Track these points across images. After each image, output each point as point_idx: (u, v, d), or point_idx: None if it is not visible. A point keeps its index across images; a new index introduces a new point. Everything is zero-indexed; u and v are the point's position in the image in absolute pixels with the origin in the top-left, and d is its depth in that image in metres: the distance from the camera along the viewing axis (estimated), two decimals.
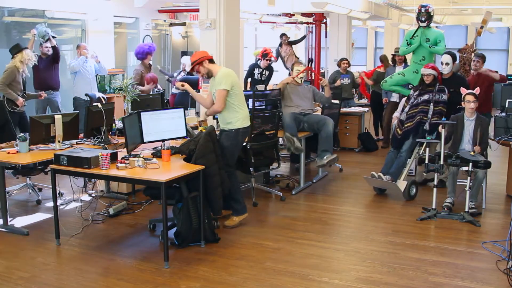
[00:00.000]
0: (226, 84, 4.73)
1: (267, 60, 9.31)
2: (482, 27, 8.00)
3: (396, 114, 6.54)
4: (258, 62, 9.55)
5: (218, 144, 4.70)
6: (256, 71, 9.27)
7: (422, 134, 5.96)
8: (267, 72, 9.45)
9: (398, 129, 6.15)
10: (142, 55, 8.30)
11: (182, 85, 5.01)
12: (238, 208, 5.03)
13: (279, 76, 10.96)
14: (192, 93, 5.16)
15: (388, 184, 5.97)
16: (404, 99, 6.54)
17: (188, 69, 8.56)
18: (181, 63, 9.35)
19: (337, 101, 7.43)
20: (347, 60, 9.37)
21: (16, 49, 6.66)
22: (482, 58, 6.98)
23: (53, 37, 7.64)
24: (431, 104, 5.97)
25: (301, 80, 6.43)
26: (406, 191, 5.88)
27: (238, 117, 4.84)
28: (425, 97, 6.03)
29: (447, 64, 6.27)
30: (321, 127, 6.18)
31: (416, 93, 6.15)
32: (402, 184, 5.88)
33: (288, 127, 6.09)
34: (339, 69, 9.33)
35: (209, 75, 4.84)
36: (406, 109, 6.15)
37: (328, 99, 6.71)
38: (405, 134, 6.04)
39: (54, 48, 7.63)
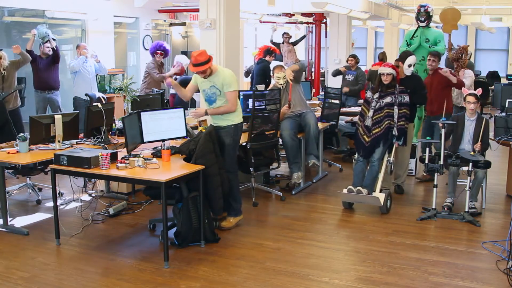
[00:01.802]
0: (236, 85, 4.82)
1: (273, 56, 9.28)
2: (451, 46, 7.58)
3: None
4: (255, 62, 9.51)
5: (218, 144, 4.70)
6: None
7: (391, 140, 5.59)
8: None
9: (365, 136, 5.60)
10: (152, 49, 8.34)
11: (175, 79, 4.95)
12: (238, 208, 5.03)
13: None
14: (177, 87, 5.17)
15: (368, 198, 5.45)
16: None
17: (189, 68, 8.47)
18: (175, 62, 9.32)
19: (337, 101, 7.42)
20: (352, 56, 9.05)
21: None
22: (437, 57, 6.47)
23: (53, 39, 7.66)
24: (395, 107, 5.51)
25: (284, 85, 6.19)
26: (385, 204, 5.42)
27: (236, 113, 4.88)
28: (388, 99, 5.52)
29: (410, 66, 5.82)
30: (305, 129, 6.23)
31: (376, 95, 5.59)
32: (381, 196, 5.40)
33: (287, 146, 6.06)
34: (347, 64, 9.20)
35: (209, 74, 4.79)
36: (370, 114, 5.58)
37: (299, 63, 6.49)
38: (374, 141, 5.52)
39: (54, 49, 7.64)
